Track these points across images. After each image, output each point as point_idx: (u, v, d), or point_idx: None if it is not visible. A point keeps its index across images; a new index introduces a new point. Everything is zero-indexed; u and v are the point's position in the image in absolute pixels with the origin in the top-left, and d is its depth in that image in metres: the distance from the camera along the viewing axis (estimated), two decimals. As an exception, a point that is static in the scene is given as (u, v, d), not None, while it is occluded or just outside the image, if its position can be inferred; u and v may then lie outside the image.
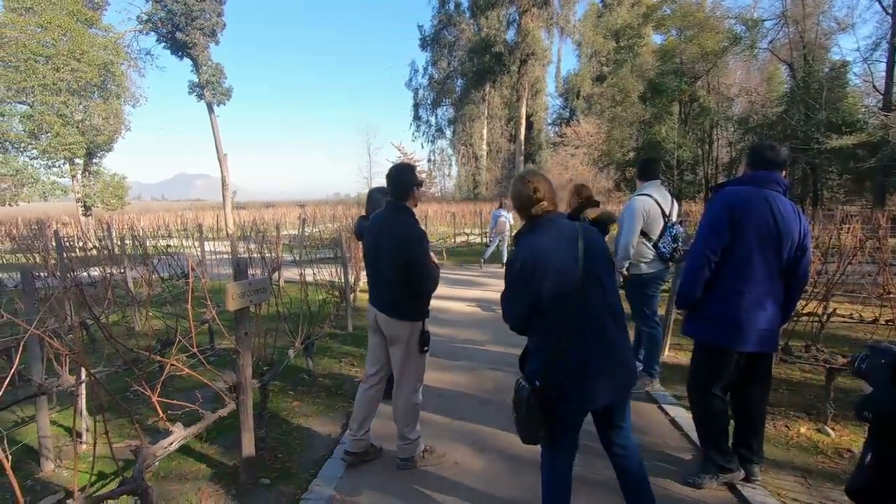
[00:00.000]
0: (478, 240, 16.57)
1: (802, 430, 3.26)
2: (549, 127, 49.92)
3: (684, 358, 4.72)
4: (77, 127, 21.09)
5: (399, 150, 45.41)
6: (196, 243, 10.72)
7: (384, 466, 2.91)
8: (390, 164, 3.14)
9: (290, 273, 7.96)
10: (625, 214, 3.70)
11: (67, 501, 1.80)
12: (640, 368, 4.09)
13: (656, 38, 33.99)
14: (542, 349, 1.96)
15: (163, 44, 25.89)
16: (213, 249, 9.56)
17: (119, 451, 2.92)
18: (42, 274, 5.31)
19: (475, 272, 10.97)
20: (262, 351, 3.35)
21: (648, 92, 27.59)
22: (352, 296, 6.11)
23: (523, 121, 45.42)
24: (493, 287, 8.94)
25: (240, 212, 29.78)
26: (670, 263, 3.87)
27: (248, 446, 2.72)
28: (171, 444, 2.30)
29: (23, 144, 20.85)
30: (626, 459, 2.12)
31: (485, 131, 48.53)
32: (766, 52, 25.17)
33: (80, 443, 3.18)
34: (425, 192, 46.49)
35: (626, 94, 29.42)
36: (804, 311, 3.96)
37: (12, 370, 1.61)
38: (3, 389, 1.55)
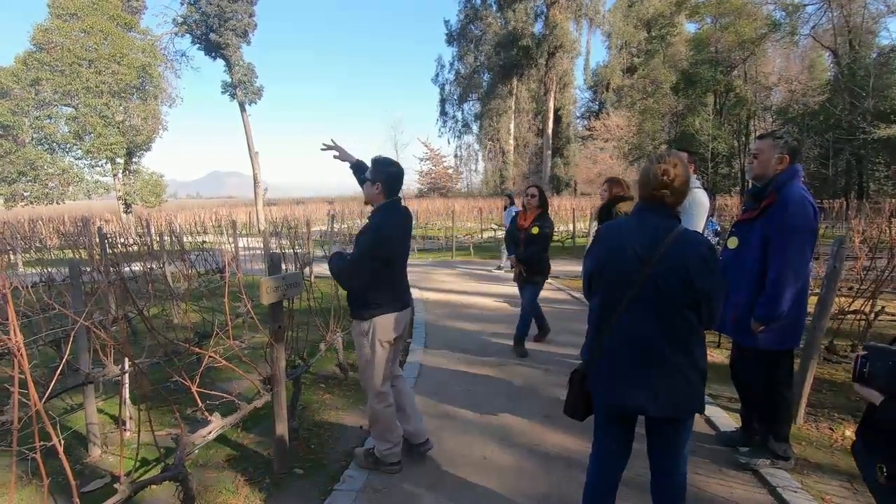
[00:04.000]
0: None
1: (847, 432, 3.12)
2: (578, 120, 49.12)
3: (719, 355, 4.58)
4: (118, 127, 21.96)
5: (426, 145, 45.55)
6: (230, 239, 11.02)
7: (414, 460, 2.93)
8: (418, 160, 3.17)
9: (320, 268, 8.10)
10: (692, 205, 3.53)
11: (115, 486, 1.88)
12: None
13: (690, 27, 32.95)
14: (589, 324, 1.98)
15: (197, 45, 26.67)
16: (246, 245, 9.82)
17: (160, 438, 3.04)
18: (87, 269, 5.56)
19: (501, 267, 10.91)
20: (294, 344, 3.43)
21: (681, 83, 26.80)
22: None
23: (551, 115, 44.83)
24: (521, 283, 8.88)
25: (271, 208, 30.44)
26: None
27: (282, 436, 2.79)
28: (210, 433, 2.38)
29: (68, 145, 21.85)
30: (663, 490, 1.97)
31: (511, 126, 48.12)
32: (808, 38, 24.09)
33: (124, 430, 3.33)
34: (452, 187, 46.54)
35: (658, 85, 28.67)
36: (850, 309, 3.78)
37: (62, 360, 1.69)
38: (55, 378, 1.63)
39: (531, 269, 4.73)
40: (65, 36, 20.59)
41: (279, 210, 29.55)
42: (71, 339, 1.82)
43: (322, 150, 3.05)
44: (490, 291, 8.10)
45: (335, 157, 3.02)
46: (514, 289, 8.35)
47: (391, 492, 2.61)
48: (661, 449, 1.94)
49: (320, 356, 4.14)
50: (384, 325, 2.61)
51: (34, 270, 8.05)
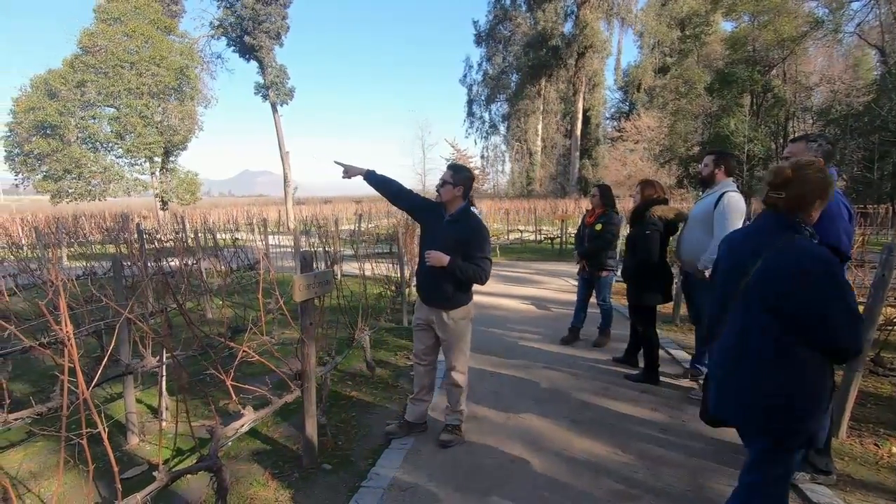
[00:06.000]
0: (531, 237, 16.35)
1: (894, 449, 2.97)
2: (607, 121, 48.34)
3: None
4: (156, 127, 22.76)
5: (453, 146, 45.54)
6: (260, 237, 11.28)
7: (442, 459, 2.93)
8: (444, 161, 3.29)
9: (347, 267, 8.20)
10: (729, 210, 3.42)
11: (153, 473, 1.94)
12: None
13: (726, 26, 31.95)
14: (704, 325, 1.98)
15: (232, 47, 27.38)
16: (277, 243, 10.03)
17: (194, 429, 3.13)
18: (127, 263, 5.77)
19: (528, 269, 10.83)
20: (323, 341, 3.48)
21: (716, 83, 26.03)
22: (406, 291, 6.20)
23: (580, 115, 44.25)
24: (547, 285, 8.80)
25: (300, 207, 31.00)
26: None
27: (311, 432, 2.83)
28: (243, 426, 2.44)
29: (110, 144, 22.76)
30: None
31: (539, 127, 47.70)
32: (853, 36, 23.05)
33: (161, 420, 3.44)
34: (478, 188, 46.43)
35: (692, 85, 27.94)
36: (898, 320, 3.60)
37: (108, 351, 1.75)
38: (101, 368, 1.70)
39: (594, 265, 4.92)
40: (109, 39, 21.48)
41: (308, 209, 30.07)
42: (118, 330, 1.88)
43: (335, 163, 3.19)
44: (516, 293, 8.05)
45: (345, 175, 3.12)
46: (540, 291, 8.32)
47: (417, 491, 2.62)
48: (746, 463, 1.85)
49: (348, 353, 4.20)
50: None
51: (78, 264, 8.41)
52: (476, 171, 48.39)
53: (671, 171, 32.38)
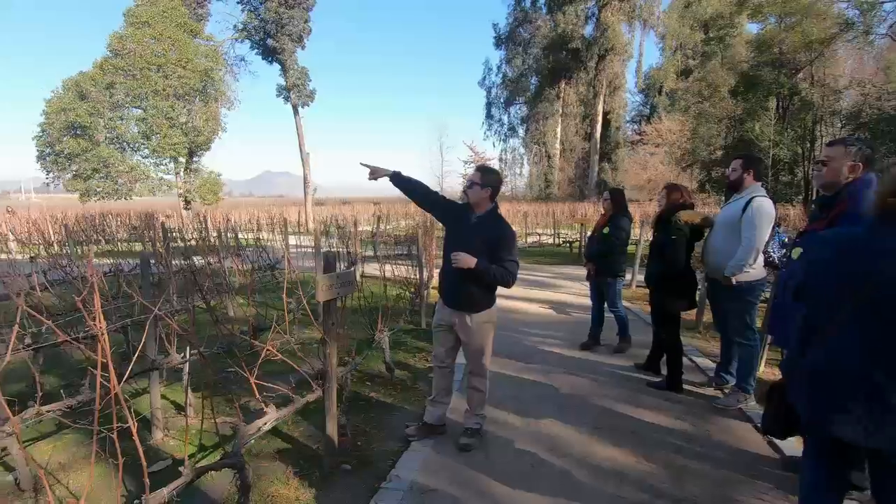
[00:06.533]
0: (550, 240, 16.23)
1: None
2: (628, 124, 47.81)
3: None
4: (181, 128, 23.29)
5: (471, 149, 45.52)
6: (280, 237, 11.43)
7: (462, 463, 2.92)
8: (462, 163, 3.30)
9: (367, 268, 8.25)
10: (758, 216, 3.33)
11: (179, 468, 1.97)
12: (733, 383, 3.82)
13: (751, 28, 31.37)
14: (791, 336, 1.79)
15: (255, 50, 27.82)
16: (297, 243, 10.14)
17: (217, 425, 3.17)
18: (152, 261, 5.90)
19: (547, 273, 10.75)
20: (343, 342, 3.49)
21: (741, 86, 25.53)
22: (425, 292, 6.20)
23: (600, 118, 43.87)
24: (566, 289, 8.71)
25: (319, 208, 31.33)
26: (771, 271, 3.54)
27: (332, 432, 2.84)
28: (265, 424, 2.46)
29: (137, 144, 23.35)
30: None
31: (558, 129, 47.40)
32: (885, 38, 22.36)
33: (184, 416, 3.49)
34: (496, 191, 46.25)
35: (715, 88, 27.41)
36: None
37: (138, 347, 1.78)
38: (132, 363, 1.73)
39: (599, 269, 4.85)
40: (137, 42, 22.08)
41: (327, 210, 30.37)
42: (147, 327, 1.91)
43: (361, 165, 3.21)
44: (535, 297, 7.99)
45: (371, 177, 3.12)
46: (559, 294, 8.24)
47: (437, 494, 2.61)
48: (884, 491, 1.71)
49: (368, 355, 4.21)
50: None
51: (104, 261, 8.63)
52: (494, 174, 48.29)
53: (693, 175, 31.83)
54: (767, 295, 4.46)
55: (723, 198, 26.38)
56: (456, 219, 3.05)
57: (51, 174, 23.41)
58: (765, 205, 3.34)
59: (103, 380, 1.64)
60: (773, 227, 3.44)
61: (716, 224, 3.68)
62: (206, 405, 3.37)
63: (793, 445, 3.05)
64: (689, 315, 5.53)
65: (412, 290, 6.14)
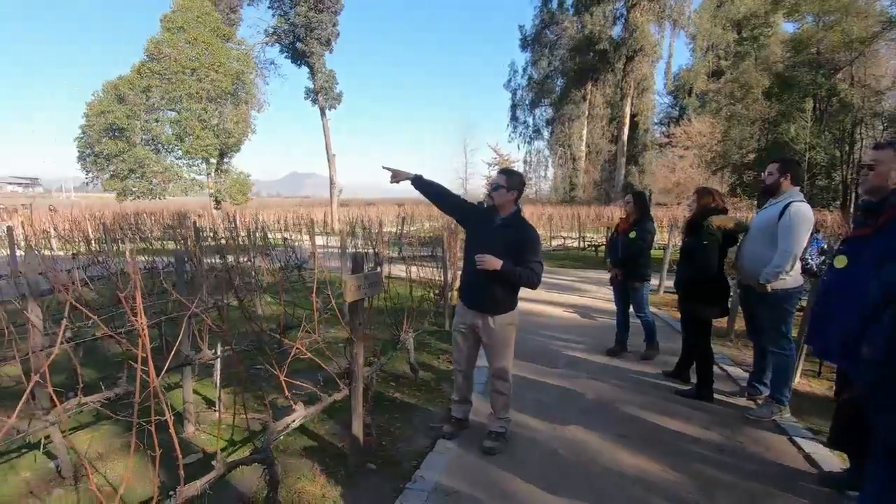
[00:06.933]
0: (575, 244, 16.05)
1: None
2: (656, 127, 46.85)
3: (819, 387, 4.17)
4: (213, 130, 23.94)
5: (495, 151, 45.42)
6: (307, 237, 11.63)
7: (486, 466, 2.91)
8: (487, 166, 3.32)
9: (391, 269, 8.30)
10: (796, 222, 3.23)
11: (211, 462, 2.02)
12: (767, 394, 3.70)
13: (787, 27, 30.40)
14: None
15: (284, 54, 28.39)
16: (322, 243, 10.29)
17: (244, 422, 3.24)
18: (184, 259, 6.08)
19: (571, 277, 10.64)
20: (369, 342, 3.53)
21: (775, 86, 24.85)
22: (450, 294, 6.21)
23: (627, 120, 43.17)
24: (591, 293, 8.60)
25: (344, 209, 31.72)
26: (808, 278, 3.42)
27: (357, 431, 2.87)
28: (294, 421, 2.50)
29: (171, 146, 24.10)
30: None
31: (584, 132, 46.83)
32: (932, 36, 21.39)
33: (214, 411, 3.58)
34: (520, 193, 45.99)
35: (749, 89, 26.71)
36: None
37: (175, 342, 1.84)
38: (169, 358, 1.79)
39: (628, 274, 4.76)
40: (173, 47, 22.83)
41: (352, 210, 30.72)
42: (185, 324, 1.98)
43: (383, 168, 3.25)
44: (559, 301, 7.91)
45: (393, 180, 3.15)
46: (584, 299, 8.14)
47: (461, 497, 2.61)
48: None
49: (393, 355, 4.24)
50: None
51: (140, 258, 8.92)
52: (518, 176, 48.05)
53: (724, 179, 31.04)
54: (804, 303, 4.31)
55: (755, 202, 25.67)
56: (478, 221, 3.07)
57: (90, 174, 24.39)
58: (803, 210, 3.24)
59: (143, 374, 1.71)
60: (812, 234, 3.32)
61: (751, 229, 3.58)
62: (236, 401, 3.45)
63: (832, 461, 2.95)
64: (720, 322, 5.40)
65: (436, 291, 6.16)
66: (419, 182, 3.12)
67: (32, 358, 2.58)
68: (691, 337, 4.03)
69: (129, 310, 1.65)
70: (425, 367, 4.65)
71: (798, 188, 3.40)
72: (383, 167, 3.24)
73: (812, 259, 3.23)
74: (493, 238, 2.92)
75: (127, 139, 22.74)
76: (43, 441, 2.89)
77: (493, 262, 2.80)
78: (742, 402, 3.86)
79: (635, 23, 40.14)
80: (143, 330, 1.62)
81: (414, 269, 5.74)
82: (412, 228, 17.67)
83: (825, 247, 3.35)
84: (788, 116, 24.42)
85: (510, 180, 2.96)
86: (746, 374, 4.24)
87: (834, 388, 3.01)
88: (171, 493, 1.84)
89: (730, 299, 4.03)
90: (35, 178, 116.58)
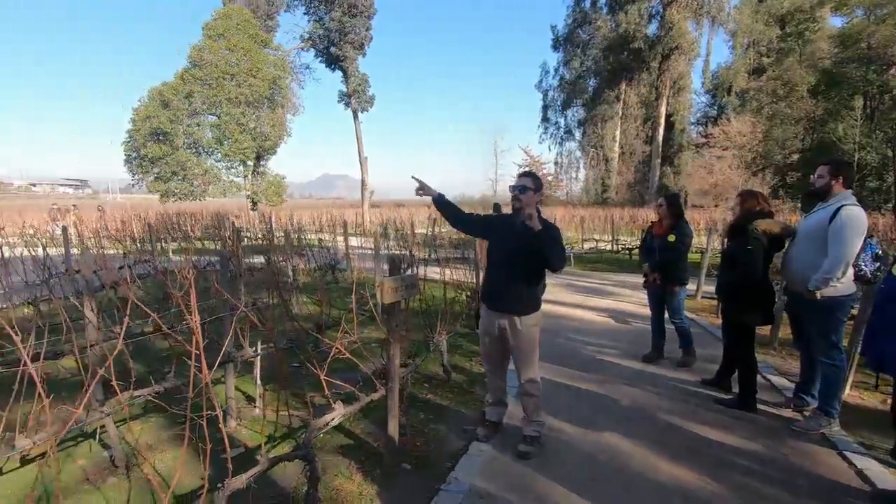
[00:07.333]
0: (607, 246, 15.76)
1: None
2: (692, 127, 45.46)
3: (871, 399, 3.97)
4: (251, 134, 24.64)
5: (525, 152, 45.09)
6: (340, 238, 11.83)
7: (520, 470, 2.90)
8: (517, 167, 3.36)
9: (422, 270, 8.36)
10: (848, 226, 3.09)
11: (256, 457, 2.09)
12: (815, 406, 3.55)
13: (834, 21, 29.02)
14: None
15: (319, 58, 29.00)
16: (355, 244, 10.46)
17: (283, 418, 3.34)
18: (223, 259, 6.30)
19: (605, 280, 10.45)
20: (403, 343, 3.57)
21: (822, 84, 23.77)
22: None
23: (662, 121, 42.11)
24: (625, 297, 8.43)
25: (375, 210, 32.10)
26: (861, 286, 3.26)
27: (393, 431, 2.91)
28: (333, 419, 2.56)
29: (211, 149, 24.95)
30: None
31: (618, 132, 45.93)
32: None
33: (254, 407, 3.70)
34: (551, 194, 45.58)
35: (793, 87, 25.64)
36: None
37: (227, 338, 1.92)
38: (220, 357, 1.87)
39: (667, 278, 4.66)
40: (213, 54, 23.66)
41: (383, 212, 31.05)
42: (234, 322, 2.06)
43: (412, 178, 3.29)
44: (592, 305, 7.79)
45: (418, 192, 3.20)
46: (618, 303, 7.99)
47: (495, 501, 2.61)
48: None
49: (426, 356, 4.27)
50: None
51: (180, 258, 9.29)
52: (549, 178, 47.63)
53: (765, 181, 29.86)
54: (856, 311, 4.12)
55: (798, 204, 24.59)
56: (501, 228, 3.14)
57: (136, 176, 25.52)
58: (855, 214, 3.09)
59: (196, 370, 1.79)
60: (865, 239, 3.17)
61: (798, 233, 3.44)
62: (275, 398, 3.55)
63: (887, 478, 2.81)
64: (762, 329, 5.20)
65: (468, 293, 6.17)
66: (441, 201, 3.22)
67: (91, 352, 2.73)
68: (733, 344, 3.91)
69: (185, 308, 1.73)
70: (458, 369, 4.67)
71: (850, 191, 3.25)
72: (413, 177, 3.30)
73: (866, 265, 3.08)
74: (519, 240, 2.97)
75: (170, 143, 23.69)
76: (98, 431, 3.04)
77: (536, 222, 2.80)
78: (788, 413, 3.72)
79: (671, 20, 39.14)
80: (196, 328, 1.70)
81: (449, 271, 5.77)
82: (442, 230, 17.74)
83: (879, 252, 3.19)
84: (836, 115, 23.33)
85: (535, 182, 3.05)
86: (792, 385, 4.08)
87: (891, 402, 2.86)
88: (220, 485, 1.92)
89: (774, 306, 3.88)
90: (84, 181, 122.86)
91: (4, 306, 5.50)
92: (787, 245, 3.59)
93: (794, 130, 25.99)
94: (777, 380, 4.40)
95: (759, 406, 3.75)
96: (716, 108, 43.90)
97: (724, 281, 3.82)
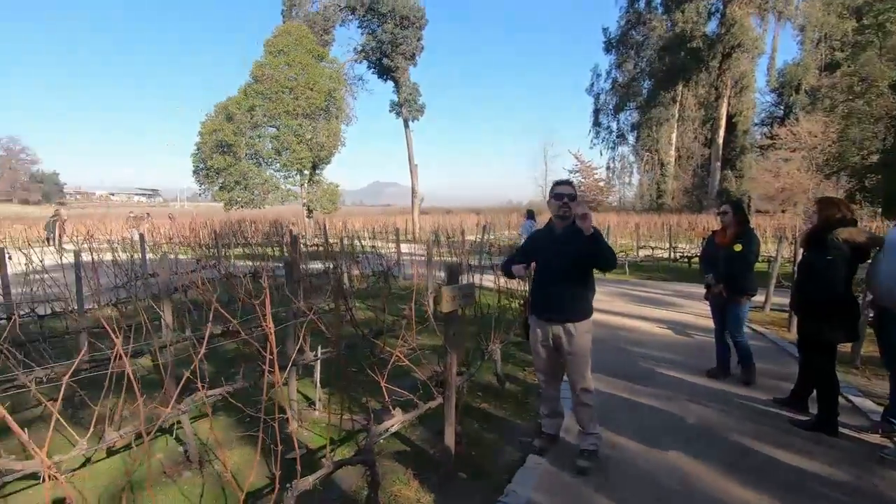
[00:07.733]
0: (664, 254, 15.12)
1: None
2: (756, 128, 42.96)
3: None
4: (307, 145, 25.63)
5: (576, 157, 44.25)
6: (392, 245, 12.05)
7: (579, 487, 2.83)
8: (568, 173, 3.39)
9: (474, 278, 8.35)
10: None
11: (321, 460, 2.16)
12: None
13: (922, 10, 26.56)
14: None
15: (371, 69, 29.81)
16: (411, 251, 10.62)
17: (344, 422, 3.42)
18: (279, 265, 6.57)
19: (662, 290, 10.03)
20: (462, 352, 3.58)
21: (906, 79, 21.79)
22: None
23: (723, 122, 40.08)
24: (685, 308, 8.06)
25: (424, 217, 32.47)
26: None
27: (450, 439, 2.92)
28: (393, 425, 2.61)
29: (270, 159, 26.16)
30: None
31: (674, 135, 44.16)
32: None
33: (314, 410, 3.82)
34: (602, 200, 44.45)
35: (872, 82, 23.69)
36: None
37: (297, 344, 2.00)
38: (290, 362, 1.95)
39: (732, 288, 4.39)
40: (274, 69, 24.85)
41: (432, 219, 31.39)
42: (304, 328, 2.14)
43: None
44: (650, 315, 7.50)
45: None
46: (678, 314, 7.64)
47: (555, 515, 2.56)
48: None
49: (479, 365, 4.26)
50: None
51: (242, 263, 9.77)
52: (601, 184, 46.44)
53: (839, 184, 27.71)
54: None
55: (878, 209, 22.61)
56: (543, 243, 3.16)
57: (203, 186, 27.13)
58: None
59: (255, 372, 1.87)
60: None
61: (887, 243, 3.17)
62: (335, 401, 3.65)
63: None
64: (843, 347, 4.82)
65: (520, 301, 6.11)
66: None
67: (167, 352, 2.92)
68: (810, 362, 3.64)
69: (260, 314, 1.82)
70: (511, 378, 4.62)
71: None
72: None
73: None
74: (565, 250, 2.98)
75: (234, 154, 25.02)
76: (175, 427, 3.24)
77: (590, 223, 2.79)
78: (874, 438, 3.41)
79: (733, 17, 37.30)
80: (271, 334, 1.78)
81: (502, 281, 5.74)
82: (491, 237, 17.67)
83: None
84: (923, 112, 21.32)
85: (577, 189, 3.08)
86: (878, 408, 3.75)
87: None
88: (288, 485, 2.00)
89: (859, 321, 3.58)
90: (156, 190, 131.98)
91: (92, 307, 5.99)
92: (872, 255, 3.31)
93: (874, 129, 23.99)
94: (861, 401, 4.06)
95: (841, 429, 3.47)
96: (782, 107, 41.34)
97: (800, 294, 3.57)
